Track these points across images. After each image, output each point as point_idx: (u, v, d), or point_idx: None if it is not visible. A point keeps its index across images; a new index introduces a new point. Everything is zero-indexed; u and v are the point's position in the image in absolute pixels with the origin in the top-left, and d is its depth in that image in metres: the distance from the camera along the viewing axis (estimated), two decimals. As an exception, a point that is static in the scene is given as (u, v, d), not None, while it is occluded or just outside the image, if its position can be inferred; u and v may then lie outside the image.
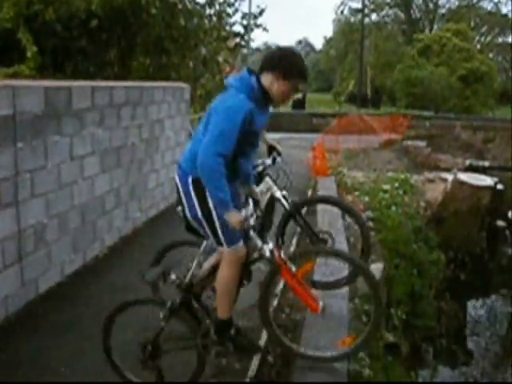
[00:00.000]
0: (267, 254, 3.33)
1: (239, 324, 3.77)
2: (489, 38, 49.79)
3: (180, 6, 12.59)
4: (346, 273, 4.31)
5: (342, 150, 14.81)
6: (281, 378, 3.81)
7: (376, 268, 6.58)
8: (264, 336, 4.20)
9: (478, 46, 43.81)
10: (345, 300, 4.70)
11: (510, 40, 49.33)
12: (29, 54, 11.18)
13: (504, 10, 49.22)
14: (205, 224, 3.30)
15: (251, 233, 3.30)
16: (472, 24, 46.95)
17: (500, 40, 49.66)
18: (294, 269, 3.39)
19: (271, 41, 66.89)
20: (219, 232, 3.26)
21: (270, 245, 3.36)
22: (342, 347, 3.67)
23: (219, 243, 3.31)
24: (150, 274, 3.40)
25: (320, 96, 45.76)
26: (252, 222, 3.22)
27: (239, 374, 3.77)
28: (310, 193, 8.14)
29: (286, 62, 3.26)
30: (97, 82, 6.18)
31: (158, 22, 12.03)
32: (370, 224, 7.66)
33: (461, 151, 17.39)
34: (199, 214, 3.28)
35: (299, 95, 34.85)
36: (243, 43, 15.15)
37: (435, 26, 48.26)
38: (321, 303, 3.47)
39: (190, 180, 3.26)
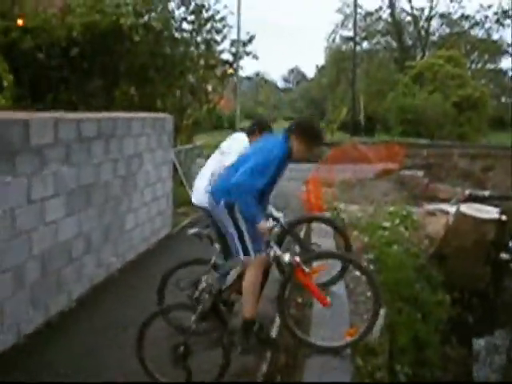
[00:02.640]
0: (286, 259, 4.06)
1: (261, 321, 4.31)
2: (480, 65, 49.73)
3: (166, 34, 12.08)
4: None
5: (337, 181, 14.15)
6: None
7: (377, 314, 5.95)
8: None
9: (469, 73, 43.61)
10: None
11: (500, 66, 49.53)
12: (5, 84, 10.62)
13: (495, 37, 48.86)
14: (236, 238, 4.03)
15: (272, 243, 4.09)
16: (463, 51, 46.86)
17: (491, 66, 49.59)
18: (307, 270, 4.11)
19: (263, 70, 67.13)
20: (248, 242, 4.00)
21: (287, 253, 4.10)
22: (347, 338, 4.36)
23: (247, 253, 4.02)
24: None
25: (312, 124, 45.29)
26: (276, 229, 4.14)
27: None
28: (302, 235, 7.51)
29: (309, 132, 4.19)
30: (61, 114, 5.50)
31: (142, 49, 11.49)
32: (371, 267, 6.99)
33: (460, 180, 16.79)
34: (232, 229, 4.03)
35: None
36: (232, 71, 14.56)
37: (427, 53, 48.14)
38: (328, 299, 4.23)
39: (222, 204, 4.03)
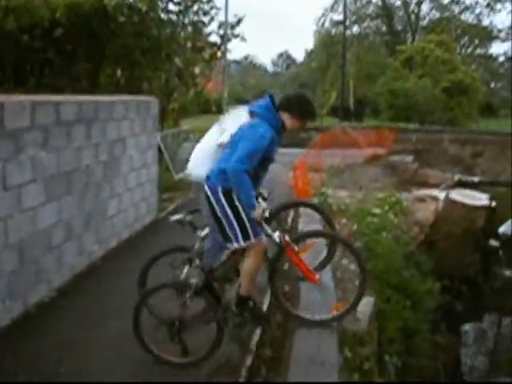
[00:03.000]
0: (276, 238, 4.13)
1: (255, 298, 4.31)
2: (469, 50, 49.56)
3: (152, 15, 11.78)
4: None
5: (325, 166, 13.96)
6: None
7: (366, 302, 5.84)
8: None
9: (459, 58, 43.43)
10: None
11: (490, 51, 49.41)
12: (-14, 68, 10.34)
13: (485, 22, 48.61)
14: (235, 223, 3.94)
15: (263, 223, 4.00)
16: (453, 35, 46.61)
17: (481, 52, 49.46)
18: (296, 248, 4.23)
19: (252, 54, 66.50)
20: (248, 227, 3.94)
21: (278, 232, 4.16)
22: (334, 312, 4.60)
23: (247, 238, 3.95)
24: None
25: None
26: (266, 213, 3.93)
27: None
28: (290, 220, 7.37)
29: (301, 106, 4.16)
30: (40, 97, 5.29)
31: (127, 31, 11.20)
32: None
33: (449, 166, 16.67)
34: (230, 215, 3.94)
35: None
36: (220, 54, 14.29)
37: (417, 38, 47.89)
38: (317, 276, 4.36)
39: (219, 190, 3.93)
